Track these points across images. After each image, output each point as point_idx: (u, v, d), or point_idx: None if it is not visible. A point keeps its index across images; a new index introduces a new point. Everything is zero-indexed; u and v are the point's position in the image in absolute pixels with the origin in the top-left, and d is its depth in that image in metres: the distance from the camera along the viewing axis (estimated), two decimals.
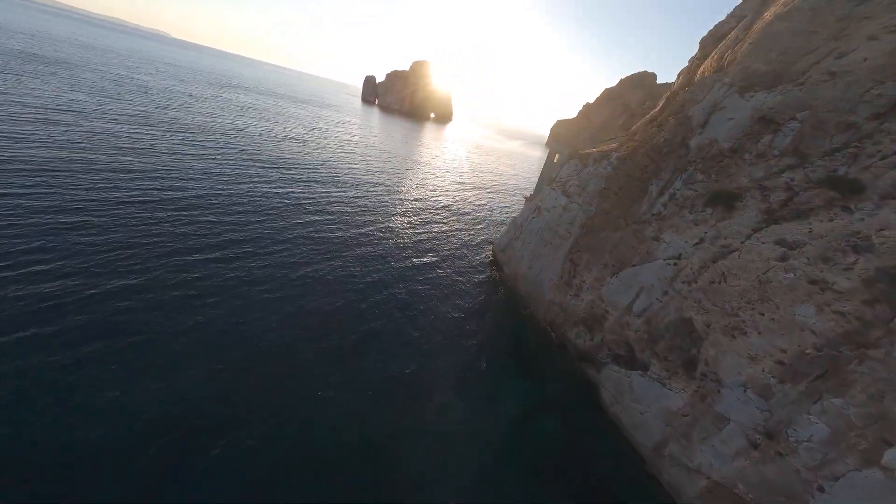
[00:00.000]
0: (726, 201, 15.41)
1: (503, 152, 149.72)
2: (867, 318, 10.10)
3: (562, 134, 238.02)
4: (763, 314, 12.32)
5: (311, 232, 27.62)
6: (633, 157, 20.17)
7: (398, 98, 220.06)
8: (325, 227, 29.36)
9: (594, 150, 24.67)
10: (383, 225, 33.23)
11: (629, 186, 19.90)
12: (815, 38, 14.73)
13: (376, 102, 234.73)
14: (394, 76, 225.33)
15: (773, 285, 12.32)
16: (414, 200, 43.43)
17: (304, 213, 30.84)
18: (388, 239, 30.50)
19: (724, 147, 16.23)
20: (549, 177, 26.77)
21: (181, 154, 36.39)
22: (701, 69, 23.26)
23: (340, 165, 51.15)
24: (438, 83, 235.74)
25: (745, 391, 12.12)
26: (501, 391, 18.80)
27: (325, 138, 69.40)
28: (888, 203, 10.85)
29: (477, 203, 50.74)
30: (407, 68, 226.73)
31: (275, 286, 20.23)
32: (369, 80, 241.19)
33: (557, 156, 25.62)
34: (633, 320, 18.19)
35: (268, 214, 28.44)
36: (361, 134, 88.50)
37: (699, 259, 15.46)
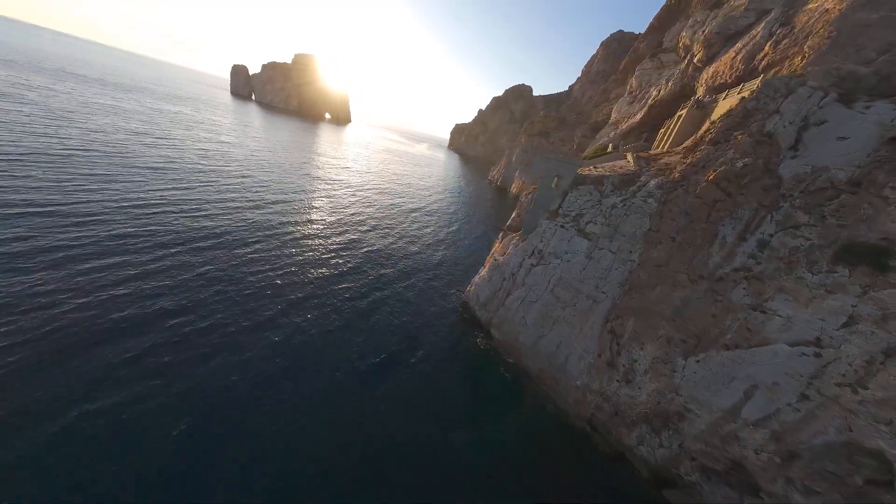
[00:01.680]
0: (872, 259, 10.64)
1: (418, 157, 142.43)
2: None
3: (462, 137, 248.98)
4: None
5: (145, 358, 13.26)
6: (684, 185, 14.45)
7: (282, 94, 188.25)
8: (179, 347, 15.05)
9: (602, 168, 18.55)
10: (302, 306, 20.47)
11: (691, 228, 14.08)
12: None
13: (253, 98, 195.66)
14: (273, 69, 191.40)
15: None
16: (338, 247, 30.42)
17: (129, 334, 15.50)
18: (306, 324, 18.23)
19: (838, 178, 11.59)
20: (546, 206, 19.60)
21: None
22: (711, 71, 19.86)
23: (204, 194, 33.58)
24: (332, 81, 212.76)
25: None
26: None
27: (174, 147, 47.41)
28: None
29: (420, 231, 40.79)
30: (289, 61, 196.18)
31: None
32: (240, 71, 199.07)
33: (557, 178, 18.63)
34: (746, 432, 12.38)
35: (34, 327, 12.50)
36: (238, 140, 66.63)
37: (861, 350, 10.27)
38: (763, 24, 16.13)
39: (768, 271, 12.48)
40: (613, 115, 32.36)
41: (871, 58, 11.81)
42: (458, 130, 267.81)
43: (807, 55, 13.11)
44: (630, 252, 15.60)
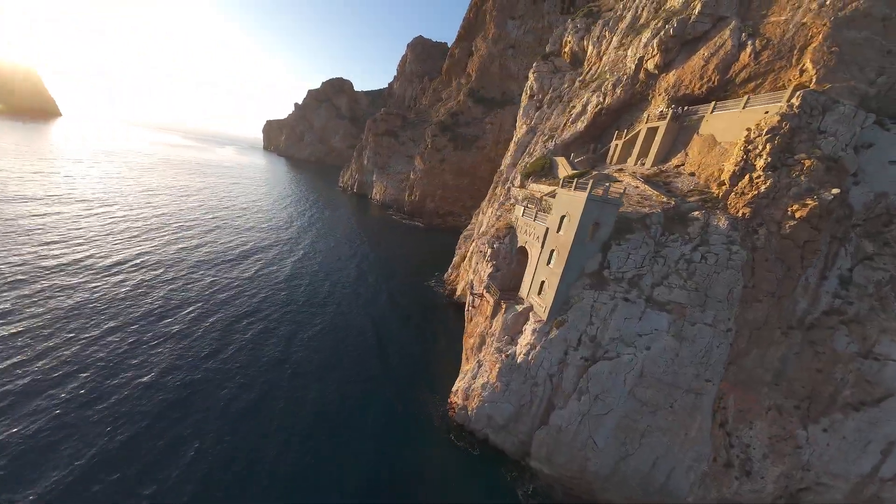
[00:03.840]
0: None
1: (233, 168, 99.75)
2: None
3: (282, 136, 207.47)
4: None
5: None
6: (761, 222, 11.59)
7: None
8: None
9: (636, 201, 13.98)
10: None
11: (790, 278, 11.47)
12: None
13: None
14: None
15: None
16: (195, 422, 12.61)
17: None
18: None
19: (895, 204, 11.12)
20: (579, 267, 13.19)
21: None
22: (672, 79, 18.13)
23: None
24: None
25: None
26: None
27: None
28: None
29: (322, 313, 24.30)
30: None
31: None
32: None
33: (593, 227, 12.39)
34: (886, 489, 11.17)
35: None
36: None
37: None
38: (729, 33, 15.68)
39: (863, 311, 11.38)
40: (522, 124, 29.70)
41: (871, 78, 12.00)
42: (274, 128, 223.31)
43: (811, 70, 12.62)
44: (728, 320, 11.66)
